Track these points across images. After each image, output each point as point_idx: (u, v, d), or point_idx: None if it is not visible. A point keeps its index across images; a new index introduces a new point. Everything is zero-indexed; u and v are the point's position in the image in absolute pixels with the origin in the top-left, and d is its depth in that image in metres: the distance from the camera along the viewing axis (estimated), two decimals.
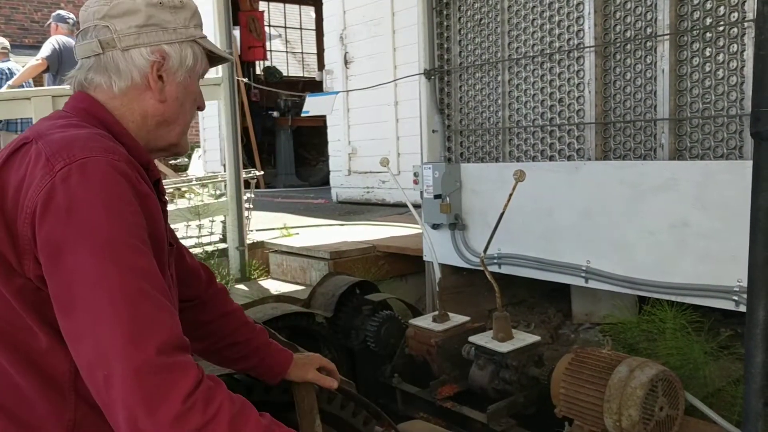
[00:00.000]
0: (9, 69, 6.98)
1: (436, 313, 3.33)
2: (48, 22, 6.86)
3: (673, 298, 2.93)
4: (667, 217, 2.96)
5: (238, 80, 9.83)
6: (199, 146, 10.84)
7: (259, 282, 4.90)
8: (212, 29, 9.39)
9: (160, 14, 1.31)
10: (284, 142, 10.79)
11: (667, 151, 3.09)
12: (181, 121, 1.38)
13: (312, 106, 4.42)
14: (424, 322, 3.31)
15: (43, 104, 4.22)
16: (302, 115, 4.42)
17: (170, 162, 10.44)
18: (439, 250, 3.99)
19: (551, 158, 3.63)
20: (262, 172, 10.50)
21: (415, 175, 4.05)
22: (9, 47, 7.40)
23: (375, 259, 4.49)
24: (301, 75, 12.61)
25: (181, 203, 5.18)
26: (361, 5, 7.04)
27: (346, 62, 7.31)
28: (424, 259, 4.18)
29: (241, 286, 4.78)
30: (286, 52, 12.67)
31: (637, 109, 3.24)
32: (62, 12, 6.82)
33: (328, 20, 7.64)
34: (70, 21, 6.57)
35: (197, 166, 10.72)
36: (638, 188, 3.08)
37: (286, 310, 3.35)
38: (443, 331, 3.20)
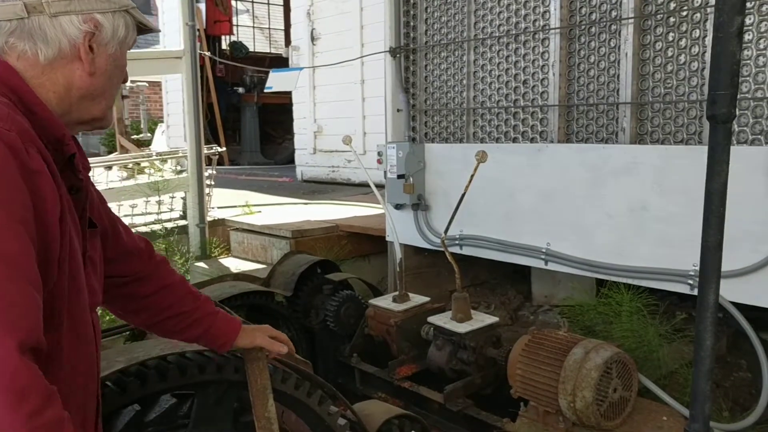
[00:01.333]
0: None
1: (396, 293, 3.32)
2: None
3: (630, 281, 2.96)
4: (626, 201, 2.98)
5: (201, 54, 9.66)
6: (162, 121, 10.63)
7: (220, 260, 4.84)
8: (176, 1, 9.19)
9: None
10: (249, 119, 10.65)
11: (629, 135, 3.10)
12: (108, 94, 1.28)
13: (275, 81, 4.34)
14: (384, 302, 3.30)
15: None
16: (265, 90, 4.34)
17: (133, 137, 10.24)
18: (402, 230, 3.97)
19: (515, 140, 3.62)
20: (224, 149, 10.38)
21: (379, 154, 4.01)
22: None
23: (337, 239, 4.46)
24: (268, 51, 12.43)
25: (141, 178, 5.08)
26: None
27: (312, 39, 7.21)
28: (387, 239, 4.16)
29: (201, 264, 4.71)
30: (253, 27, 12.46)
31: (600, 93, 3.24)
32: None
33: None
34: None
35: (160, 141, 10.53)
36: (599, 171, 3.09)
37: (244, 289, 3.31)
38: (403, 311, 3.19)
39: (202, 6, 10.01)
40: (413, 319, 3.16)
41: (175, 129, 10.15)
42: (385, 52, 4.13)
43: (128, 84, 10.25)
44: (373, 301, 3.36)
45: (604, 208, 3.07)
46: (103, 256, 1.42)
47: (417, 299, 3.31)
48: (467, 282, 4.44)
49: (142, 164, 5.12)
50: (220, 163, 10.20)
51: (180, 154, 5.26)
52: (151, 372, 1.88)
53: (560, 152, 3.28)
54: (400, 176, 3.84)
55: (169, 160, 5.21)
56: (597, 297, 3.28)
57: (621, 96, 3.12)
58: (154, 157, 5.08)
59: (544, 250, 3.32)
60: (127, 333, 3.04)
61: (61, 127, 1.19)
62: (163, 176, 4.92)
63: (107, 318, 4.24)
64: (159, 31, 1.51)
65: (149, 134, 10.32)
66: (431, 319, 3.05)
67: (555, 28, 3.32)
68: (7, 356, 0.90)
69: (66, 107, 1.22)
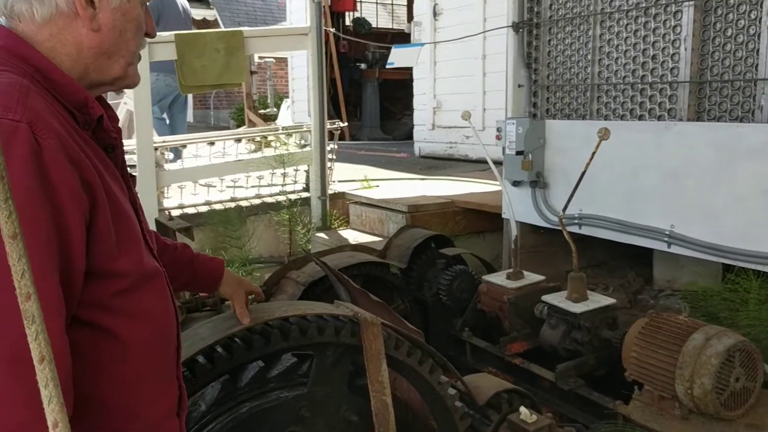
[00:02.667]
0: None
1: (510, 270, 3.31)
2: None
3: (760, 267, 2.81)
4: (759, 183, 2.82)
5: (326, 30, 9.89)
6: (287, 97, 11.01)
7: (339, 231, 5.00)
8: None
9: None
10: (370, 95, 10.80)
11: (766, 113, 2.91)
12: (124, 51, 1.20)
13: (397, 57, 4.40)
14: (498, 278, 3.31)
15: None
16: (387, 66, 4.41)
17: (260, 112, 10.67)
18: (519, 207, 3.95)
19: (640, 117, 3.49)
20: (346, 124, 10.61)
21: (498, 130, 3.99)
22: None
23: (452, 215, 4.49)
24: (390, 27, 12.51)
25: (268, 152, 5.31)
26: None
27: (435, 14, 7.20)
28: (503, 216, 4.14)
29: (322, 235, 4.89)
30: (376, 3, 12.57)
31: (736, 68, 3.06)
32: None
33: None
34: None
35: (285, 116, 10.91)
36: (731, 152, 2.93)
37: (362, 259, 3.42)
38: (516, 288, 3.19)
39: None
40: (527, 297, 3.15)
41: (300, 104, 10.49)
42: (507, 27, 4.08)
43: (256, 60, 10.67)
44: (487, 277, 3.38)
45: (735, 190, 2.92)
46: None
47: (531, 277, 3.29)
48: (584, 262, 4.35)
49: (269, 138, 5.35)
50: (341, 138, 10.45)
51: (304, 129, 5.45)
52: (274, 331, 2.01)
53: (689, 131, 3.14)
54: (518, 153, 3.81)
55: (294, 134, 5.42)
56: (723, 283, 3.13)
57: (760, 72, 2.93)
58: (280, 131, 5.30)
59: (667, 233, 3.20)
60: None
61: (80, 90, 1.14)
62: (288, 150, 5.12)
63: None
64: None
65: (275, 109, 10.71)
66: (545, 297, 3.03)
67: (689, 0, 3.16)
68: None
69: (82, 68, 1.17)
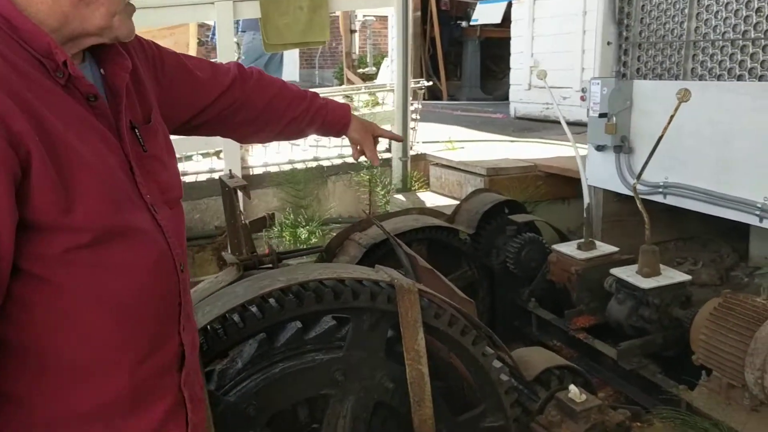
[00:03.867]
0: None
1: (582, 240, 3.13)
2: None
3: None
4: None
5: None
6: (387, 56, 10.91)
7: (418, 193, 4.92)
8: None
9: None
10: (471, 54, 10.51)
11: None
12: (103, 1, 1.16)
13: (482, 13, 4.22)
14: (568, 248, 3.14)
15: (225, 9, 4.45)
16: (471, 23, 4.24)
17: (359, 71, 10.65)
18: (601, 173, 3.72)
19: (739, 78, 3.17)
20: (444, 84, 10.40)
21: (583, 91, 3.76)
22: None
23: (534, 179, 4.30)
24: None
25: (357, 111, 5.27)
26: None
27: None
28: (583, 182, 3.92)
29: (400, 197, 4.84)
30: None
31: None
32: None
33: None
34: None
35: (385, 75, 10.85)
36: None
37: (427, 223, 3.34)
38: (586, 259, 3.01)
39: None
40: (597, 269, 2.97)
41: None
42: None
43: (358, 18, 10.62)
44: (557, 246, 3.21)
45: None
46: (190, 117, 1.54)
47: (604, 248, 3.10)
48: (674, 235, 4.07)
49: (359, 96, 5.31)
50: (438, 98, 10.32)
51: (387, 88, 5.37)
52: (308, 293, 1.99)
53: None
54: (602, 115, 3.57)
55: (378, 93, 5.35)
56: None
57: None
58: (362, 90, 5.25)
59: (759, 205, 2.90)
60: (316, 255, 3.25)
61: (43, 36, 1.12)
62: (371, 110, 5.07)
63: (289, 240, 4.57)
64: None
65: (374, 68, 10.66)
66: (614, 270, 2.85)
67: None
68: None
69: (61, 17, 1.14)
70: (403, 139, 2.16)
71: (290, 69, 16.90)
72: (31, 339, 1.12)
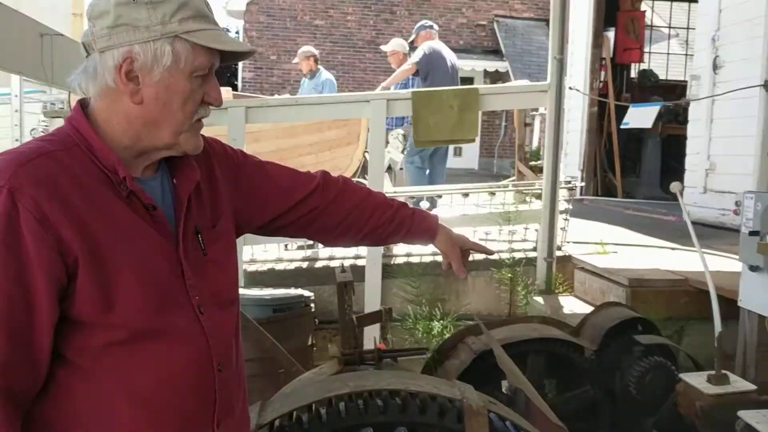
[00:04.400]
0: (328, 79, 8.11)
1: (713, 372, 2.81)
2: (412, 37, 7.50)
3: None
4: None
5: (605, 82, 9.49)
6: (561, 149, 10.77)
7: (560, 298, 4.72)
8: (585, 32, 9.23)
9: (131, 13, 1.24)
10: (651, 150, 10.02)
11: None
12: (171, 121, 1.30)
13: (633, 117, 4.08)
14: (696, 379, 2.83)
15: (379, 107, 4.70)
16: (622, 127, 4.10)
17: (531, 163, 10.58)
18: (756, 296, 3.33)
19: None
20: (619, 181, 9.97)
21: (737, 204, 3.44)
22: (317, 54, 8.39)
23: (682, 294, 3.95)
24: (682, 79, 11.56)
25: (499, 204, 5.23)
26: (740, 2, 6.16)
27: (715, 67, 6.49)
28: (739, 304, 3.53)
29: (539, 299, 4.67)
30: (667, 53, 11.73)
31: None
32: (426, 21, 7.43)
33: (701, 20, 6.86)
34: (435, 27, 7.13)
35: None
36: None
37: (545, 334, 3.21)
38: (714, 395, 2.69)
39: (611, 34, 9.83)
40: (726, 408, 2.64)
41: (572, 158, 10.19)
42: (760, 86, 3.52)
43: (532, 111, 10.63)
44: (686, 375, 2.91)
45: None
46: (268, 221, 1.61)
47: (739, 384, 2.76)
48: None
49: (494, 192, 5.29)
50: (612, 194, 9.91)
51: (536, 187, 5.29)
52: (373, 403, 1.98)
53: None
54: (753, 233, 3.23)
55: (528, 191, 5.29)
56: None
57: None
58: (509, 188, 5.21)
59: None
60: (423, 356, 3.22)
61: (110, 154, 1.27)
62: (516, 207, 5.01)
63: (422, 333, 4.52)
64: (248, 50, 1.39)
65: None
66: (745, 413, 2.51)
67: None
68: None
69: (134, 135, 1.30)
70: (492, 253, 2.10)
71: (470, 157, 17.24)
72: (69, 421, 1.26)
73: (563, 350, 3.19)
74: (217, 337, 1.38)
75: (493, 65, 16.54)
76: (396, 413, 1.98)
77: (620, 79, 10.22)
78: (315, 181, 1.69)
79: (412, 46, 7.44)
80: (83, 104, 1.34)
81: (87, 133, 1.28)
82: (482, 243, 5.10)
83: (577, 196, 9.70)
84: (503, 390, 3.10)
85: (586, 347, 3.22)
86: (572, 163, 10.13)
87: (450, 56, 7.19)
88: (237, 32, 19.77)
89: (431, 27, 7.31)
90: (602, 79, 9.76)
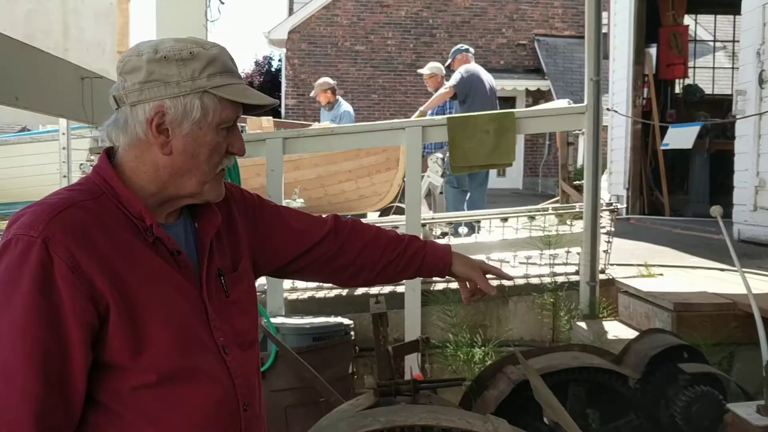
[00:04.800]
0: (347, 111, 8.27)
1: (762, 402, 2.70)
2: (449, 61, 7.52)
3: None
4: None
5: (649, 99, 9.31)
6: (605, 168, 10.60)
7: (604, 322, 4.61)
8: (627, 49, 9.11)
9: (162, 69, 1.30)
10: (699, 167, 9.79)
11: None
12: (197, 171, 1.36)
13: (673, 138, 4.00)
14: (745, 410, 2.72)
15: (414, 134, 4.71)
16: (662, 148, 4.02)
17: (575, 183, 10.44)
18: None
19: None
20: (666, 198, 9.74)
21: None
22: (334, 85, 8.54)
23: (731, 319, 3.82)
24: (729, 93, 11.28)
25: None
26: None
27: (761, 81, 6.32)
28: (759, 330, 3.40)
29: (582, 324, 4.57)
30: (713, 68, 11.47)
31: None
32: (462, 45, 7.45)
33: (745, 34, 6.71)
34: (471, 50, 7.15)
35: (603, 187, 10.53)
36: None
37: (585, 363, 3.14)
38: (764, 427, 2.58)
39: (653, 51, 9.68)
40: None
41: (617, 176, 10.02)
42: None
43: (575, 131, 10.52)
44: (734, 405, 2.79)
45: None
46: (284, 264, 1.65)
47: None
48: None
49: (535, 216, 5.23)
50: (659, 212, 9.69)
51: (576, 210, 5.21)
52: None
53: None
54: None
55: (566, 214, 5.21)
56: None
57: None
58: (549, 212, 5.15)
59: None
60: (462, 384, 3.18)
61: (137, 202, 1.32)
62: (557, 230, 4.94)
63: (463, 359, 4.46)
64: (270, 103, 1.40)
65: None
66: None
67: None
68: None
69: (160, 184, 1.35)
70: (511, 278, 2.08)
71: (514, 177, 17.12)
72: None
73: (605, 379, 3.12)
74: (242, 377, 1.42)
75: (534, 84, 16.46)
76: None
77: (664, 96, 10.03)
78: (327, 225, 1.74)
79: (449, 70, 7.46)
80: (109, 154, 1.40)
81: (114, 182, 1.34)
82: (523, 266, 5.07)
83: (624, 215, 9.55)
84: (545, 420, 3.04)
85: (629, 376, 3.14)
86: (617, 182, 9.96)
87: (488, 78, 7.19)
88: (279, 60, 20.14)
89: (467, 50, 7.33)
90: (645, 96, 9.59)
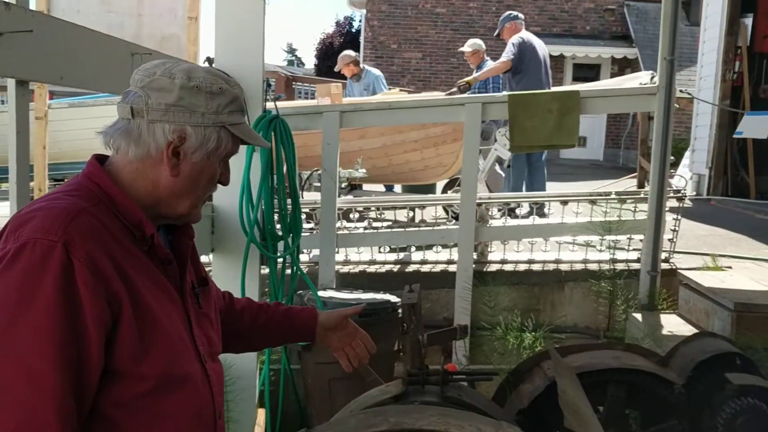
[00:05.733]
0: (377, 77, 8.29)
1: None
2: (498, 30, 7.25)
3: None
4: None
5: (740, 73, 8.73)
6: (688, 145, 10.10)
7: (662, 315, 4.42)
8: (719, 19, 8.55)
9: (192, 98, 1.35)
10: None
11: None
12: (192, 195, 1.41)
13: (747, 126, 3.74)
14: None
15: (474, 110, 4.59)
16: (735, 136, 3.77)
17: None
18: None
19: None
20: (752, 180, 9.16)
21: None
22: (356, 57, 8.50)
23: None
24: None
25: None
26: None
27: None
28: None
29: (638, 316, 4.40)
30: None
31: None
32: (512, 12, 7.18)
33: None
34: (521, 17, 6.89)
35: (684, 165, 10.06)
36: None
37: (627, 365, 3.02)
38: None
39: (749, 21, 9.02)
40: None
41: (699, 154, 9.52)
42: None
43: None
44: None
45: None
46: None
47: None
48: None
49: (596, 200, 5.02)
50: (744, 194, 9.14)
51: (641, 195, 4.97)
52: None
53: None
54: None
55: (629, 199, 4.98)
56: None
57: None
58: (611, 197, 4.93)
59: None
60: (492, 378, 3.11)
61: (136, 212, 1.35)
62: (620, 216, 4.74)
63: (513, 344, 4.37)
64: (266, 146, 1.49)
65: (672, 157, 9.91)
66: None
67: None
68: None
69: (155, 200, 1.39)
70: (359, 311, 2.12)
71: (594, 147, 16.55)
72: None
73: (647, 382, 2.99)
74: (217, 386, 1.48)
75: (621, 52, 15.75)
76: None
77: (758, 70, 9.36)
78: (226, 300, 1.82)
79: (499, 39, 7.22)
80: (99, 159, 1.41)
81: (111, 190, 1.36)
82: (582, 251, 4.89)
83: (704, 196, 9.07)
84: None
85: (673, 381, 3.00)
86: (699, 161, 9.46)
87: (541, 47, 6.91)
88: (360, 20, 20.02)
89: (517, 17, 7.03)
90: (737, 69, 8.99)
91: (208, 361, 1.45)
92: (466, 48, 7.66)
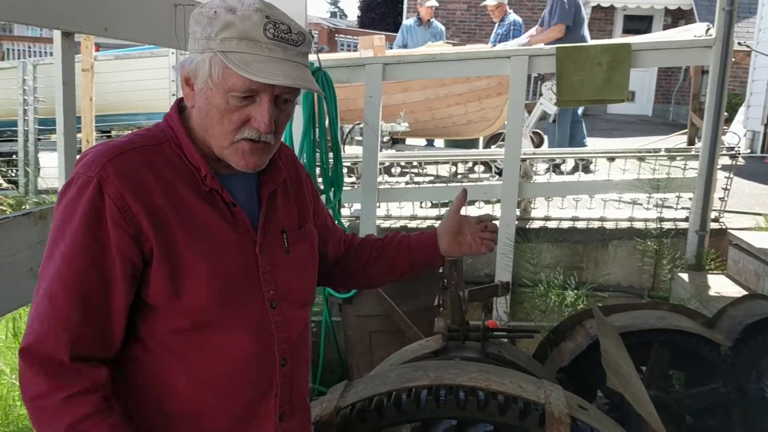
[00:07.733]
0: (442, 31, 8.45)
1: None
2: None
3: None
4: None
5: None
6: (742, 100, 9.73)
7: (708, 276, 4.33)
8: None
9: (194, 25, 1.33)
10: None
11: None
12: (212, 133, 1.34)
13: None
14: None
15: (520, 63, 4.47)
16: None
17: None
18: None
19: None
20: (743, 151, 8.80)
21: None
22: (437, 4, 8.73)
23: None
24: None
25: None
26: None
27: None
28: None
29: (684, 276, 4.31)
30: None
31: None
32: None
33: None
34: None
35: (738, 121, 9.71)
36: None
37: (671, 325, 2.96)
38: None
39: None
40: None
41: (755, 110, 9.17)
42: None
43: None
44: None
45: None
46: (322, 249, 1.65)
47: None
48: None
49: (646, 158, 4.88)
50: None
51: (692, 153, 4.81)
52: (450, 398, 1.95)
53: None
54: None
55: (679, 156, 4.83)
56: None
57: None
58: (660, 154, 4.78)
59: None
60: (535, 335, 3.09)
61: (194, 153, 1.36)
62: (669, 173, 4.61)
63: (555, 301, 4.32)
64: (274, 83, 1.28)
65: (725, 113, 9.57)
66: None
67: None
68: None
69: (203, 140, 1.38)
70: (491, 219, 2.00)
71: (643, 102, 16.07)
72: (136, 390, 1.37)
73: (692, 343, 2.93)
74: (283, 333, 1.44)
75: (675, 2, 15.10)
76: (475, 410, 1.93)
77: None
78: (347, 240, 1.83)
79: None
80: (181, 104, 1.43)
81: (178, 131, 1.38)
82: (628, 208, 4.80)
83: (758, 154, 8.77)
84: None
85: (720, 343, 2.93)
86: (755, 117, 9.13)
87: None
88: None
89: None
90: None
91: (279, 306, 1.43)
92: (490, 1, 7.54)
